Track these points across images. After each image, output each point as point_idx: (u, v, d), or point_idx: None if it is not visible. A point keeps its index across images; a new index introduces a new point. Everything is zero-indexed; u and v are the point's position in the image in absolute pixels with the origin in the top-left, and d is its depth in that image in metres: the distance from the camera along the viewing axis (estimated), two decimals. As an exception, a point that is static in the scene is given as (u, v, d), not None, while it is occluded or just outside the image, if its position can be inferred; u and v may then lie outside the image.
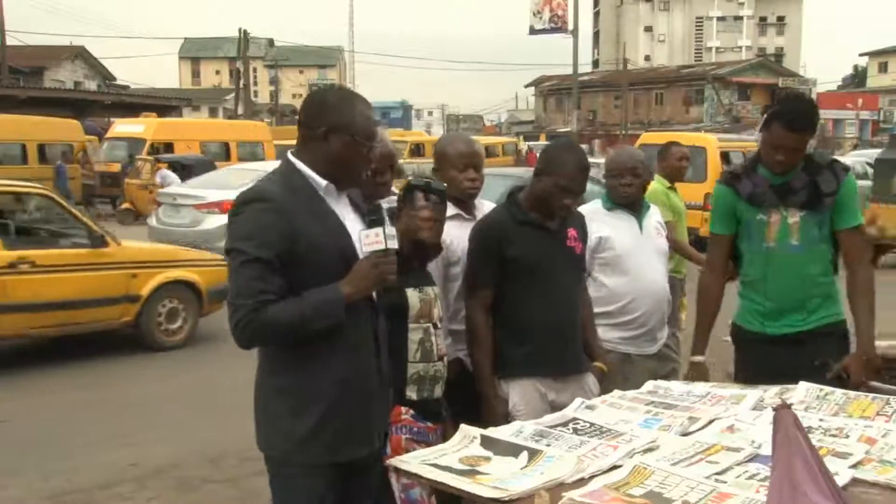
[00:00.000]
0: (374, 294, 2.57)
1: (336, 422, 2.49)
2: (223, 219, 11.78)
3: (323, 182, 2.51)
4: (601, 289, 3.86)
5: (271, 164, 14.06)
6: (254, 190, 2.48)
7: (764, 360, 3.48)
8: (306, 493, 2.52)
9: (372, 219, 2.52)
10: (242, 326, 2.37)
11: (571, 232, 3.44)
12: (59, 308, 7.55)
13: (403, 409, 3.02)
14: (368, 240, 2.47)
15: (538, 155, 3.58)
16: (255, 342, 2.46)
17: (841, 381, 3.19)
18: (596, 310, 3.71)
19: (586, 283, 3.77)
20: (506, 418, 3.10)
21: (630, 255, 3.88)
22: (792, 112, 3.29)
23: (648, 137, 18.13)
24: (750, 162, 3.55)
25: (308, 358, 2.48)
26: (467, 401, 3.26)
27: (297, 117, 2.70)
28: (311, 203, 2.48)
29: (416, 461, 2.39)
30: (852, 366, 3.33)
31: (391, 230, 2.51)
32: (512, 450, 2.44)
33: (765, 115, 3.40)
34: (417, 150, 28.86)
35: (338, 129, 2.48)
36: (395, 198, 3.30)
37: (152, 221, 11.39)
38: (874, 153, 23.23)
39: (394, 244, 2.49)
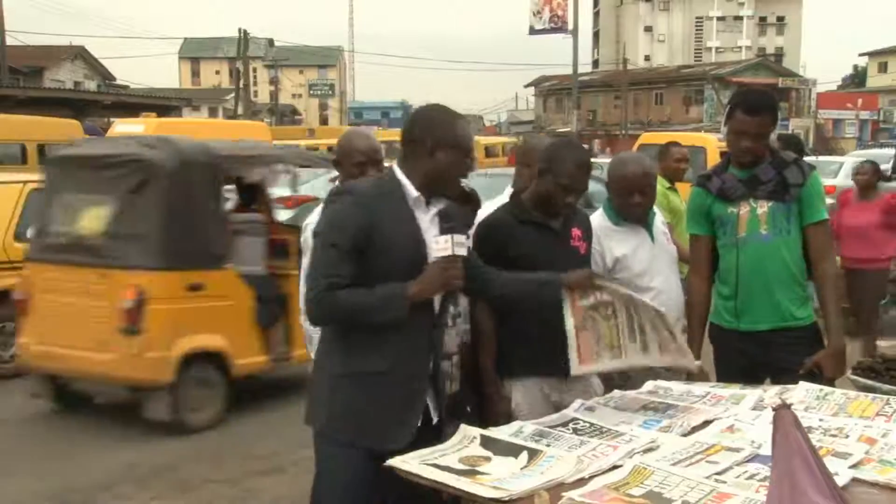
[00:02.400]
0: (436, 303, 2.75)
1: (367, 409, 2.68)
2: (287, 214, 11.93)
3: (414, 193, 2.71)
4: None
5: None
6: (347, 185, 2.83)
7: (737, 357, 3.55)
8: (342, 468, 2.72)
9: (445, 226, 2.69)
10: (312, 304, 2.66)
11: (576, 231, 3.43)
12: None
13: None
14: (438, 245, 2.65)
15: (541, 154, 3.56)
16: (321, 319, 2.74)
17: (813, 377, 3.21)
18: None
19: None
20: (508, 418, 3.10)
21: (647, 272, 3.66)
22: (750, 99, 3.49)
23: (648, 137, 18.12)
24: (720, 163, 3.69)
25: (357, 345, 2.70)
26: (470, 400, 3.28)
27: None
28: (396, 207, 2.69)
29: (416, 461, 2.39)
30: (824, 361, 3.38)
31: (459, 238, 2.67)
32: (512, 450, 2.44)
33: (727, 108, 3.55)
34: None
35: (444, 144, 2.69)
36: None
37: None
38: (875, 153, 23.23)
39: (461, 251, 2.66)
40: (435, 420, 2.80)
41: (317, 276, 2.64)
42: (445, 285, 2.69)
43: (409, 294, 2.61)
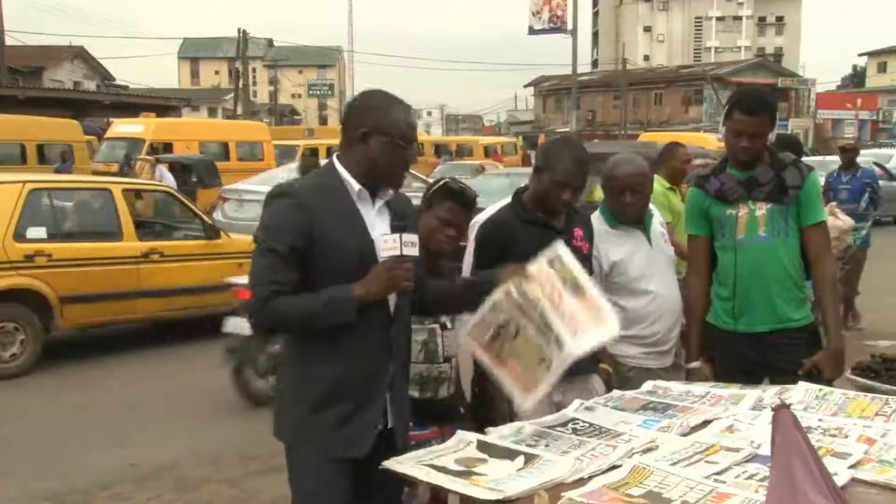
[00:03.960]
0: (391, 302, 2.61)
1: (326, 416, 2.56)
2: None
3: (357, 186, 2.57)
4: (619, 312, 3.49)
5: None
6: (283, 185, 2.60)
7: (735, 357, 3.53)
8: (313, 479, 2.60)
9: (395, 224, 2.56)
10: (253, 312, 2.53)
11: (577, 231, 3.41)
12: (183, 294, 8.37)
13: None
14: (386, 244, 2.51)
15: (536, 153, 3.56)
16: (263, 327, 2.62)
17: (811, 378, 3.19)
18: None
19: None
20: (510, 419, 3.09)
21: (645, 275, 3.64)
22: (749, 98, 3.47)
23: (647, 137, 18.15)
24: (719, 164, 3.67)
25: (312, 351, 2.58)
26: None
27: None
28: (339, 204, 2.55)
29: (412, 462, 2.39)
30: (823, 362, 3.37)
31: (409, 237, 2.52)
32: (508, 454, 2.43)
33: (725, 108, 3.53)
34: (417, 149, 28.81)
35: (377, 131, 2.54)
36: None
37: (218, 216, 11.76)
38: (875, 153, 23.23)
39: (411, 251, 2.51)
40: (390, 425, 2.65)
41: (258, 283, 2.48)
42: (392, 287, 2.52)
43: (355, 296, 2.47)
